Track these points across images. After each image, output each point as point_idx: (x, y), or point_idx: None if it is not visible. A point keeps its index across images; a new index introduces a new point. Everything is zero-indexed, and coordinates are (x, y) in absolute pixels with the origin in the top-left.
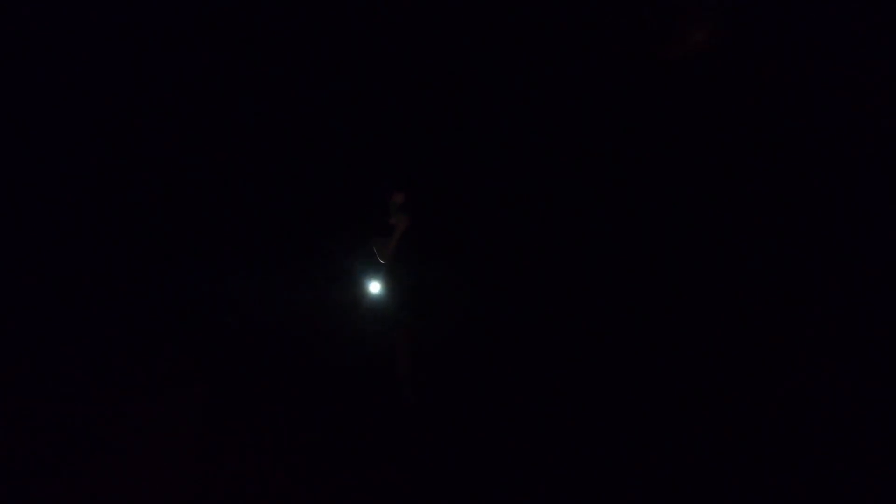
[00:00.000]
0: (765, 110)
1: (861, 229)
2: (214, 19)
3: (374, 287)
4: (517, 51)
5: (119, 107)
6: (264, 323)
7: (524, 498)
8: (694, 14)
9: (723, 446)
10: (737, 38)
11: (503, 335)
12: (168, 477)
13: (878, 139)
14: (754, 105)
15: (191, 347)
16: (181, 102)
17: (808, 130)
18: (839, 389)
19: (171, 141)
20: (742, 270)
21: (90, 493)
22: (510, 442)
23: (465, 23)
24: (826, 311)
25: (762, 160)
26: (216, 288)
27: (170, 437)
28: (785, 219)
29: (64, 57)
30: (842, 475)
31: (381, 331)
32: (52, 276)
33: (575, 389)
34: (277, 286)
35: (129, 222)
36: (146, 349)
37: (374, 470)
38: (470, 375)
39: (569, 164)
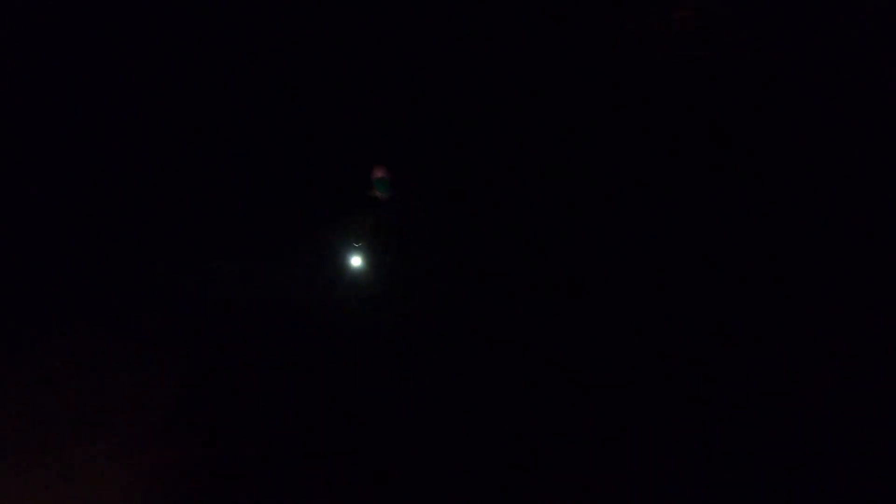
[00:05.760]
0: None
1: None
2: (207, 17)
3: (356, 261)
4: (505, 42)
5: (125, 106)
6: (247, 300)
7: (520, 494)
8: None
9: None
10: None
11: (488, 321)
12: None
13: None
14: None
15: (177, 327)
16: (181, 102)
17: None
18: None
19: (163, 137)
20: (741, 270)
21: (77, 480)
22: (503, 435)
23: (451, 14)
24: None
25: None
26: (199, 268)
27: (153, 425)
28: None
29: (64, 57)
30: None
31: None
32: (44, 269)
33: (569, 383)
34: (259, 263)
35: (121, 219)
36: (136, 337)
37: (363, 459)
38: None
39: (554, 153)
